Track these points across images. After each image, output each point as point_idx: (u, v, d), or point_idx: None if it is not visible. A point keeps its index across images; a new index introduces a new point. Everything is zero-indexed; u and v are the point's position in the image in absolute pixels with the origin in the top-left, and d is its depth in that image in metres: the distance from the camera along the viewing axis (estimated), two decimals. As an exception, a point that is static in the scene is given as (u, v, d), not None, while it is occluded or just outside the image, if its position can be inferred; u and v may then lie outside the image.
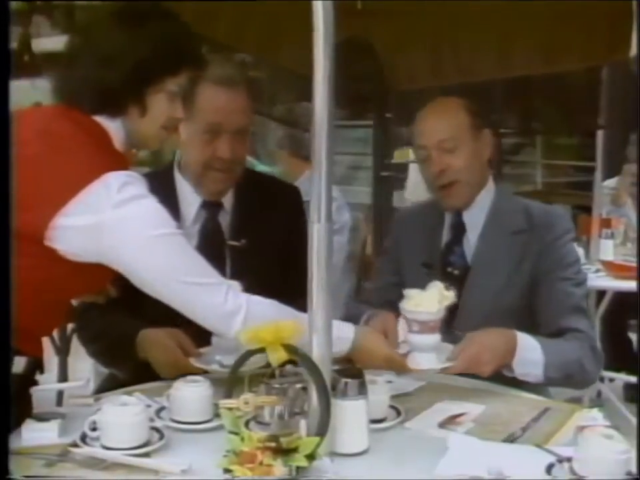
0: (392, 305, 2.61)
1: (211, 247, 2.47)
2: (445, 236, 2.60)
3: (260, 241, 2.50)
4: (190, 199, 2.54)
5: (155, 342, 2.26)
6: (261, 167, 4.68)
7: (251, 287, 2.24)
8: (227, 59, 2.52)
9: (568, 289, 2.43)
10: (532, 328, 2.40)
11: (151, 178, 2.65)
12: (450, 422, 1.99)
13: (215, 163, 2.46)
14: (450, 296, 2.12)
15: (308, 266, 1.69)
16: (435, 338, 2.12)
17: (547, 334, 2.35)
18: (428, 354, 2.12)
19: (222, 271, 2.43)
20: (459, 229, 2.57)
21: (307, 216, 2.55)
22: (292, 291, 2.25)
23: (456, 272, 2.54)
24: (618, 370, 5.02)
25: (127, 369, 2.37)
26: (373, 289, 2.76)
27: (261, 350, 1.67)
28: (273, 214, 2.56)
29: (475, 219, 2.56)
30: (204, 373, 2.10)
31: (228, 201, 2.57)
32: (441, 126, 2.52)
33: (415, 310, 2.11)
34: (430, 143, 2.52)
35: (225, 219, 2.56)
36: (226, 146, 2.44)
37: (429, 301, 2.10)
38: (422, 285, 2.56)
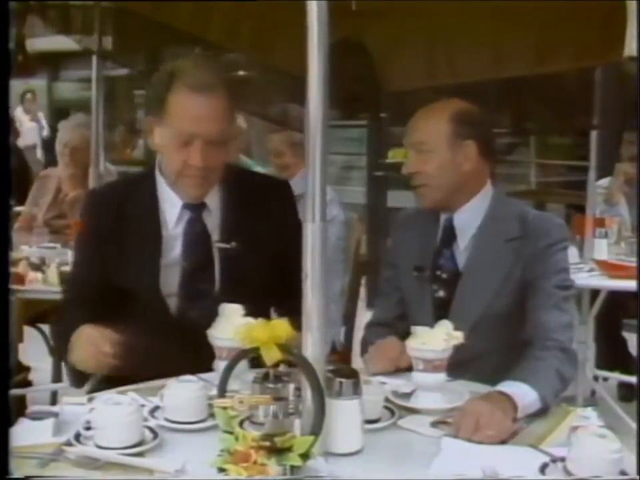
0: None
1: (197, 249, 2.46)
2: (438, 239, 2.59)
3: (251, 242, 2.44)
4: (171, 199, 2.47)
5: (82, 337, 2.24)
6: (257, 168, 4.68)
7: (242, 292, 2.25)
8: (206, 61, 2.46)
9: (550, 289, 2.41)
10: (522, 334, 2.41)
11: (134, 179, 2.71)
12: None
13: (188, 170, 2.37)
14: (458, 336, 2.10)
15: (302, 265, 1.69)
16: (441, 377, 2.10)
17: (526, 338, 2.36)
18: (433, 393, 2.10)
19: (210, 276, 2.44)
20: (450, 233, 2.56)
21: (299, 211, 2.56)
22: (286, 291, 2.25)
23: (444, 275, 2.54)
24: (612, 369, 5.04)
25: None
26: (383, 299, 2.76)
27: (255, 349, 1.67)
28: (263, 212, 2.48)
29: (467, 223, 2.54)
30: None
31: (214, 200, 2.49)
32: (420, 128, 2.56)
33: (421, 348, 2.09)
34: (408, 142, 2.58)
35: (211, 220, 2.48)
36: (198, 154, 2.33)
37: (435, 339, 2.09)
38: (414, 289, 2.59)
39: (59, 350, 2.46)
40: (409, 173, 2.56)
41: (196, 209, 2.47)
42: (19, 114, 13.20)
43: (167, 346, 2.31)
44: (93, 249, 2.50)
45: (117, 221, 2.45)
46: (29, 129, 13.04)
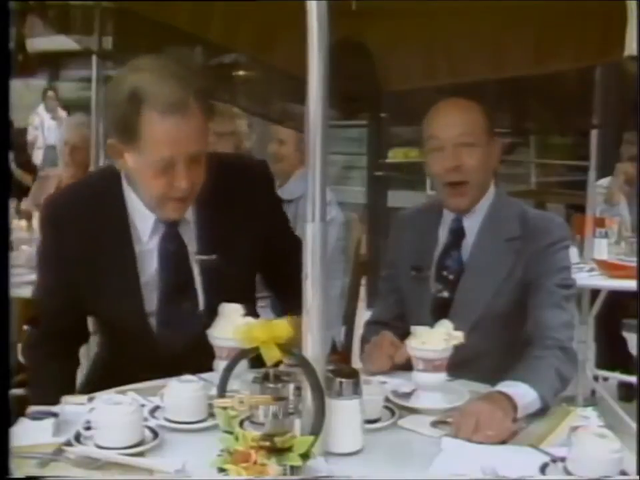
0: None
1: (175, 263, 2.31)
2: (442, 240, 2.58)
3: (233, 246, 2.30)
4: (143, 212, 2.28)
5: None
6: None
7: (228, 299, 2.15)
8: (169, 73, 2.13)
9: (551, 288, 2.41)
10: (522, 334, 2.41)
11: (96, 189, 2.38)
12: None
13: (174, 193, 2.18)
14: (458, 335, 2.10)
15: (300, 263, 1.69)
16: (441, 377, 2.09)
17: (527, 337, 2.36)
18: (433, 393, 2.10)
19: (191, 288, 2.31)
20: (459, 234, 2.56)
21: (277, 194, 2.56)
22: (276, 285, 2.26)
23: (451, 276, 2.53)
24: (612, 369, 5.05)
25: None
26: (382, 299, 2.76)
27: (255, 349, 1.67)
28: (242, 197, 2.32)
29: (474, 224, 2.55)
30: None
31: (190, 210, 2.31)
32: (461, 120, 2.50)
33: (421, 347, 2.09)
34: (447, 136, 2.48)
35: (187, 231, 2.31)
36: (183, 177, 2.14)
37: (435, 338, 2.09)
38: (413, 288, 2.58)
39: (34, 395, 2.30)
40: (448, 169, 2.48)
41: (172, 221, 2.30)
42: (41, 113, 12.99)
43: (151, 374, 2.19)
44: (58, 273, 2.33)
45: (82, 238, 2.26)
46: (50, 128, 12.82)
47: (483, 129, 2.50)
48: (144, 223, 2.29)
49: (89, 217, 2.29)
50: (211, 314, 2.15)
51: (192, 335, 2.17)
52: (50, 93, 13.37)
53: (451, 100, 2.60)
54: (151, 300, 2.31)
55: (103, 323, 2.41)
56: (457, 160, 2.47)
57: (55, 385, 2.26)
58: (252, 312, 2.20)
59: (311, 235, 1.67)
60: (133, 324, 2.30)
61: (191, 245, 2.32)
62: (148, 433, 1.83)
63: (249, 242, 2.33)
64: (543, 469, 1.71)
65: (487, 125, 2.51)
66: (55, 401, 2.01)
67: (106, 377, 2.23)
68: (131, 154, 2.18)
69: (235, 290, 2.22)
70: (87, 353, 2.75)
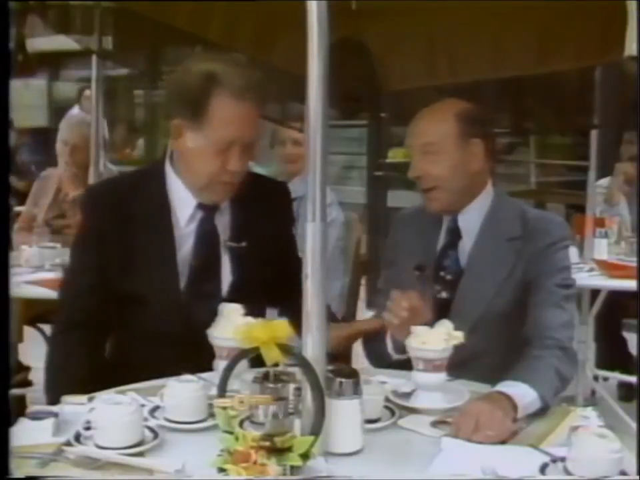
0: None
1: (207, 248, 2.44)
2: (441, 240, 2.58)
3: (258, 242, 2.43)
4: (185, 198, 2.42)
5: None
6: (257, 168, 4.67)
7: (250, 293, 2.29)
8: (242, 63, 2.38)
9: (551, 288, 2.41)
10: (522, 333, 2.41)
11: (138, 176, 2.66)
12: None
13: (223, 176, 2.34)
14: (458, 335, 2.10)
15: (302, 265, 1.70)
16: (441, 377, 2.09)
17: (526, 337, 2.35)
18: (433, 393, 2.10)
19: (218, 273, 2.44)
20: (455, 234, 2.56)
21: (294, 213, 2.65)
22: (283, 290, 2.27)
23: (449, 277, 2.53)
24: (612, 369, 5.04)
25: None
26: (382, 297, 2.75)
27: (255, 349, 1.67)
28: (265, 211, 2.48)
29: (471, 224, 2.54)
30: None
31: (224, 203, 2.46)
32: (426, 130, 2.53)
33: (421, 347, 2.09)
34: (414, 144, 2.54)
35: (221, 220, 2.45)
36: (237, 159, 2.31)
37: (435, 338, 2.09)
38: (414, 288, 2.57)
39: (51, 385, 2.39)
40: (416, 176, 2.53)
41: (210, 209, 2.44)
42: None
43: (172, 349, 2.30)
44: (93, 255, 2.42)
45: (122, 222, 2.38)
46: None
47: (453, 135, 2.48)
48: (184, 209, 2.43)
49: (130, 201, 2.42)
50: (233, 297, 2.30)
51: (213, 314, 2.20)
52: (87, 92, 12.96)
53: (426, 108, 2.60)
54: (182, 280, 2.43)
55: (134, 302, 2.41)
56: (418, 170, 2.52)
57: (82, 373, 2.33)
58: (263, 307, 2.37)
59: (311, 235, 1.67)
60: (169, 301, 2.40)
61: (224, 233, 2.46)
62: (148, 433, 1.83)
63: (269, 243, 2.46)
64: (543, 469, 1.71)
65: (460, 130, 2.49)
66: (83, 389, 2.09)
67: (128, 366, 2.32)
68: (192, 132, 2.32)
69: (256, 279, 2.41)
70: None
